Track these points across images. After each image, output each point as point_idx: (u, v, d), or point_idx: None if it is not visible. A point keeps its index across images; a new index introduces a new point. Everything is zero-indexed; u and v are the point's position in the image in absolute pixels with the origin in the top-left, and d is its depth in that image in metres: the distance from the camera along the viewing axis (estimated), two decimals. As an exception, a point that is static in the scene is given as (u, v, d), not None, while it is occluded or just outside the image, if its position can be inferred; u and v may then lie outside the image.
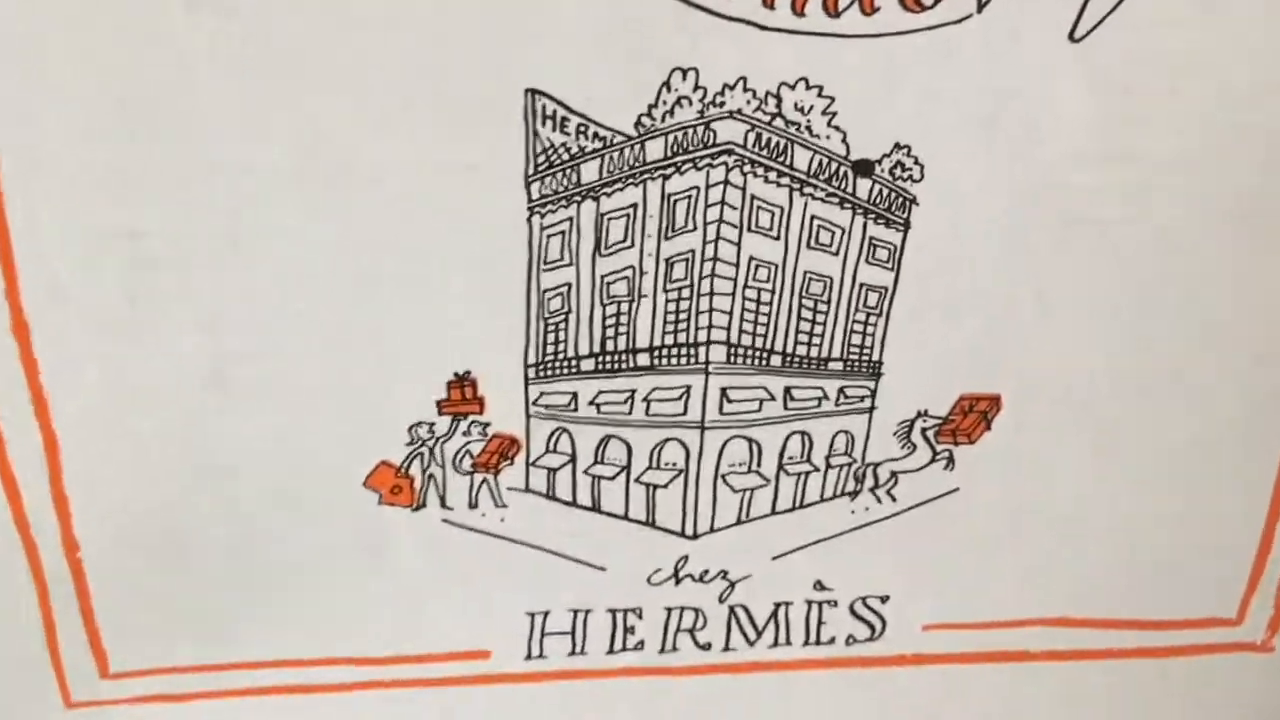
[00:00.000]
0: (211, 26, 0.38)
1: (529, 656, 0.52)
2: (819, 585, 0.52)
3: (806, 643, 0.54)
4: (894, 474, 0.50)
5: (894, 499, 0.51)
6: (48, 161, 0.40)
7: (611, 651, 0.53)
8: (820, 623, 0.53)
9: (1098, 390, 0.49)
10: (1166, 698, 0.56)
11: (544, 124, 0.41)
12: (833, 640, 0.54)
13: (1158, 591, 0.54)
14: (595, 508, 0.49)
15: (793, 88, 0.42)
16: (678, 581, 0.51)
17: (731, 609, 0.52)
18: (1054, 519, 0.52)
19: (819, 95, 0.42)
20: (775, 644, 0.53)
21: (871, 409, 0.49)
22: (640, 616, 0.52)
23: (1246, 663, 0.56)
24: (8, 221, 0.41)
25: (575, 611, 0.52)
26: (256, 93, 0.39)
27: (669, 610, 0.52)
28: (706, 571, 0.51)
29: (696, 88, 0.41)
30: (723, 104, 0.42)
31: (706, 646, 0.53)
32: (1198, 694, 0.56)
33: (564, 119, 0.41)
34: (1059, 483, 0.51)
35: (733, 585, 0.52)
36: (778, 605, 0.53)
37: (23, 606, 0.48)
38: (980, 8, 0.41)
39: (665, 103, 0.42)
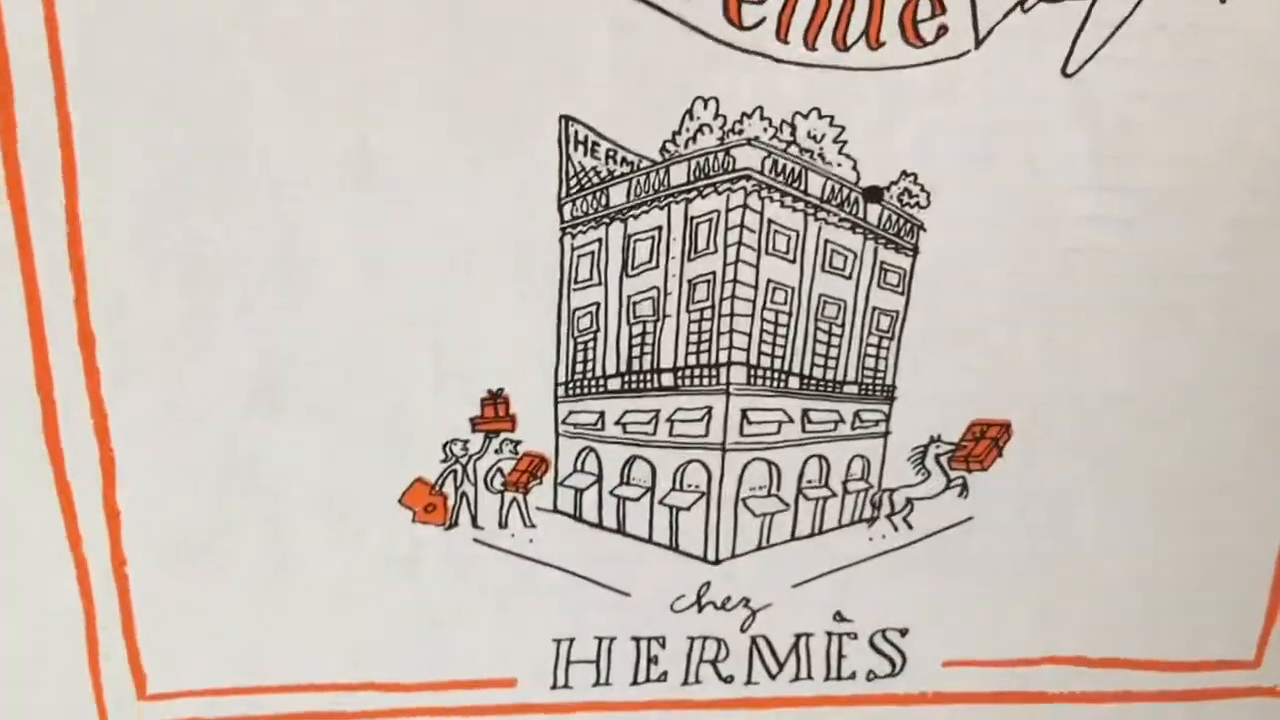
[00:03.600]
0: (271, 50, 0.42)
1: (555, 686, 0.53)
2: (839, 616, 0.53)
3: (828, 677, 0.54)
4: (909, 501, 0.51)
5: (910, 526, 0.51)
6: (118, 179, 0.43)
7: (635, 683, 0.53)
8: (841, 656, 0.53)
9: (1105, 418, 0.50)
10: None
11: (576, 148, 0.44)
12: (854, 675, 0.54)
13: (1174, 631, 0.54)
14: (620, 530, 0.50)
15: (805, 117, 0.44)
16: (700, 609, 0.52)
17: (753, 639, 0.53)
18: (1067, 552, 0.52)
19: (830, 124, 0.45)
20: (797, 678, 0.54)
21: (886, 433, 0.50)
22: (664, 646, 0.52)
23: (1266, 709, 0.56)
24: (82, 236, 0.44)
25: (600, 639, 0.52)
26: (312, 116, 0.43)
27: (691, 640, 0.52)
28: (729, 599, 0.52)
29: (717, 115, 0.44)
30: (741, 131, 0.44)
31: (729, 679, 0.53)
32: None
33: (594, 143, 0.44)
34: (1071, 513, 0.52)
35: (754, 614, 0.52)
36: (799, 637, 0.53)
37: (69, 624, 0.50)
38: (978, 44, 0.44)
39: (688, 129, 0.44)
